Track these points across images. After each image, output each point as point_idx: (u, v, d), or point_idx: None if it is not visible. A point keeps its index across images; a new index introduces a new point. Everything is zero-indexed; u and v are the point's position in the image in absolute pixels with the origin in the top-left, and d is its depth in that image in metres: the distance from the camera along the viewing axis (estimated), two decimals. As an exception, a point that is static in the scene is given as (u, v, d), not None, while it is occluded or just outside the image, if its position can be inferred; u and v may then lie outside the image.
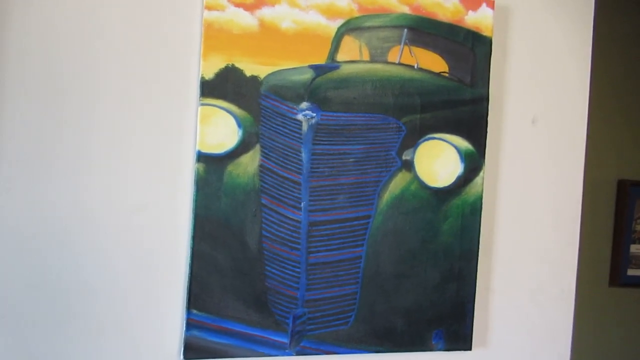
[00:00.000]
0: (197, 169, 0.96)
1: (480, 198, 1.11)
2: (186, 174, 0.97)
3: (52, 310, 0.93)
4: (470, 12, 1.11)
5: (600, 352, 2.05)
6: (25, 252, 0.91)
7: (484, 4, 1.11)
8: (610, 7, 1.87)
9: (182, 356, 0.96)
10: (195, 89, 0.97)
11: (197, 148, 0.96)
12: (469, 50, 1.11)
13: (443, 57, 1.09)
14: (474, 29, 1.11)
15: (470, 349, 1.12)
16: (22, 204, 0.91)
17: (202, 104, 0.96)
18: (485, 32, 1.11)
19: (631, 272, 2.08)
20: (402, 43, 1.07)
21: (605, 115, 1.97)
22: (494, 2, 1.12)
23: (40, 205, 0.92)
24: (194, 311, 0.96)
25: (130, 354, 0.96)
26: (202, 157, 0.96)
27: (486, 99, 1.12)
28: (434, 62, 1.09)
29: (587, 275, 1.91)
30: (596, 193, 2.00)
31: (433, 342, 1.09)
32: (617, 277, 2.08)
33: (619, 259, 2.07)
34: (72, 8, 0.92)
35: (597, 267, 2.05)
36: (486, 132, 1.12)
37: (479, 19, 1.11)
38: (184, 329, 0.96)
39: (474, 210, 1.11)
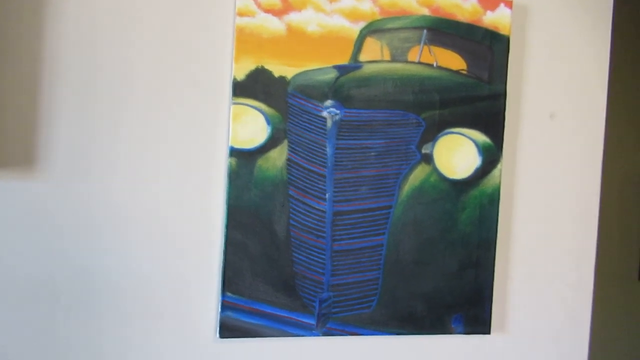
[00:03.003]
0: (230, 163, 1.04)
1: (498, 189, 1.16)
2: (220, 167, 1.04)
3: (98, 295, 1.00)
4: (488, 12, 1.15)
5: (618, 342, 2.04)
6: (74, 239, 1.00)
7: (502, 4, 1.15)
8: (630, 3, 1.86)
9: (218, 335, 1.04)
10: (227, 89, 1.04)
11: (230, 144, 1.04)
12: (487, 49, 1.15)
13: (461, 56, 1.14)
14: (492, 28, 1.15)
15: (489, 332, 1.16)
16: (70, 198, 0.99)
17: (234, 103, 1.04)
18: (503, 31, 1.15)
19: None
20: (422, 43, 1.12)
21: (624, 113, 1.96)
22: (512, 1, 1.16)
23: (85, 197, 1.00)
24: (228, 294, 1.04)
25: (170, 334, 1.04)
26: (234, 152, 1.04)
27: (503, 95, 1.16)
28: (452, 60, 1.13)
29: (612, 269, 1.91)
30: (617, 189, 1.99)
31: (452, 326, 1.14)
32: (645, 272, 2.07)
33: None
34: (113, 13, 1.00)
35: (624, 261, 2.05)
36: (503, 126, 1.16)
37: (497, 18, 1.15)
38: (219, 310, 1.03)
39: (492, 201, 1.15)
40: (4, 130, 0.96)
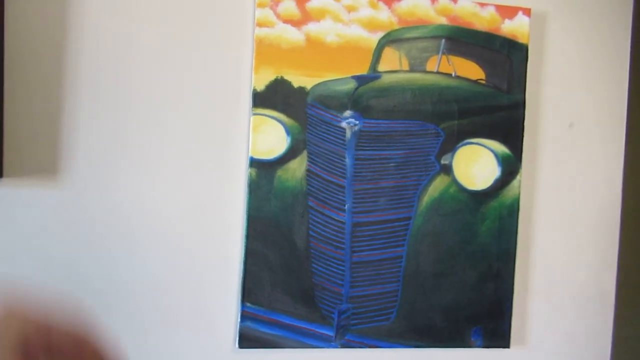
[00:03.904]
0: (250, 173, 1.04)
1: (518, 200, 1.14)
2: (240, 178, 1.04)
3: (117, 305, 1.01)
4: (506, 20, 1.14)
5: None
6: (95, 248, 1.00)
7: (520, 12, 1.15)
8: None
9: (237, 345, 1.04)
10: (247, 100, 1.04)
11: (250, 154, 1.04)
12: (506, 58, 1.14)
13: (480, 65, 1.13)
14: (510, 37, 1.14)
15: (508, 346, 1.14)
16: (92, 206, 1.00)
17: (254, 114, 1.04)
18: (522, 40, 1.15)
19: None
20: (440, 53, 1.11)
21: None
22: (530, 10, 1.15)
23: (107, 205, 1.01)
24: (248, 304, 1.03)
25: (189, 344, 1.04)
26: (254, 162, 1.04)
27: (522, 104, 1.15)
28: (471, 70, 1.13)
29: (628, 282, 1.87)
30: (635, 199, 1.96)
31: (472, 339, 1.13)
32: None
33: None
34: (134, 24, 1.01)
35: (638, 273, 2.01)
36: (523, 136, 1.15)
37: (515, 26, 1.15)
38: (239, 320, 1.03)
39: (511, 212, 1.14)
40: (27, 140, 0.97)
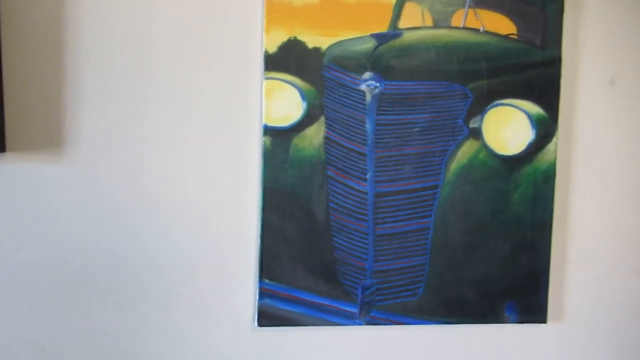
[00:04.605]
0: (264, 142, 0.98)
1: (554, 166, 1.06)
2: (253, 147, 0.99)
3: (131, 283, 0.98)
4: (539, -31, 1.05)
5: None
6: (103, 224, 0.97)
7: (555, -41, 1.05)
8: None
9: (256, 323, 1.00)
10: (259, 63, 0.98)
11: (263, 122, 0.98)
12: (539, 10, 1.05)
13: (511, 19, 1.04)
14: (544, -13, 1.05)
15: (545, 321, 1.08)
16: (100, 182, 0.97)
17: (267, 78, 0.97)
18: (557, -11, 1.05)
19: None
20: (467, 6, 1.03)
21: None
22: (566, -44, 1.05)
23: (116, 181, 0.97)
24: (266, 280, 0.98)
25: (207, 323, 1.01)
26: (268, 130, 0.98)
27: (558, 60, 1.06)
28: (500, 24, 1.04)
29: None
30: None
31: (506, 315, 1.06)
32: None
33: None
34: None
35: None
36: (559, 95, 1.06)
37: (550, -24, 1.05)
38: (257, 297, 0.99)
39: (547, 178, 1.06)
40: (30, 115, 0.93)
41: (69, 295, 0.96)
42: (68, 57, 0.94)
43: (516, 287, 1.06)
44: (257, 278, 0.99)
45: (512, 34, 1.05)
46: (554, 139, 1.07)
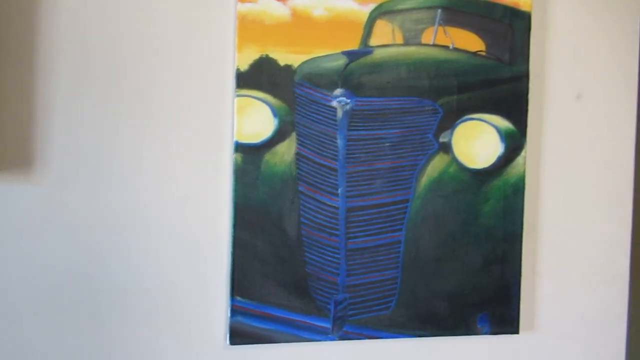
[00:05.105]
0: (235, 159, 0.98)
1: (523, 178, 1.08)
2: (225, 164, 0.99)
3: (100, 301, 0.97)
4: (506, -13, 1.07)
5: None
6: (73, 242, 0.96)
7: (521, -22, 1.07)
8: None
9: (228, 342, 0.99)
10: (231, 80, 0.99)
11: (235, 138, 0.98)
12: (507, 27, 1.07)
13: (479, 36, 1.07)
14: (512, 5, 1.07)
15: (517, 332, 1.09)
16: (71, 201, 0.95)
17: (238, 95, 0.98)
18: (524, 7, 1.08)
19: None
20: (436, 24, 1.05)
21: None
22: (531, -25, 1.08)
23: (87, 200, 0.96)
24: (238, 298, 0.98)
25: (177, 341, 1.00)
26: (239, 147, 0.98)
27: (526, 76, 1.08)
28: (469, 41, 1.06)
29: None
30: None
31: (478, 326, 1.08)
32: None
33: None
34: (106, 5, 0.95)
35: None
36: (527, 110, 1.09)
37: (517, -7, 1.08)
38: (229, 315, 0.98)
39: (516, 190, 1.08)
40: (0, 133, 0.92)
41: (35, 316, 0.95)
42: (38, 75, 0.93)
43: (488, 299, 1.08)
44: (228, 296, 0.99)
45: (480, 51, 1.07)
46: (523, 153, 1.09)
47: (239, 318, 0.98)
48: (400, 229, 1.04)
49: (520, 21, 1.08)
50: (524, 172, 1.09)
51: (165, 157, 0.98)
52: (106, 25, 0.95)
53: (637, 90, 1.18)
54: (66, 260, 0.95)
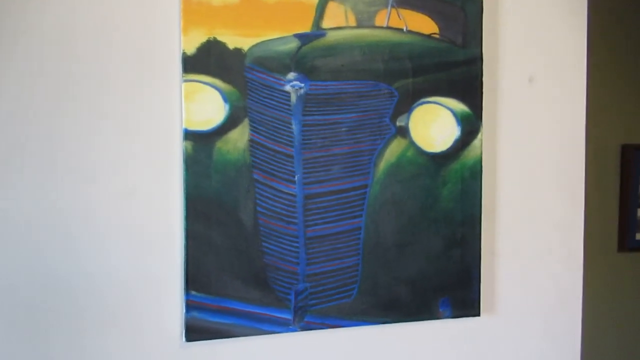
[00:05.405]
0: (185, 147, 0.94)
1: (480, 161, 1.09)
2: (174, 153, 0.94)
3: (52, 299, 0.91)
4: (458, -30, 1.07)
5: (611, 317, 2.03)
6: (17, 239, 0.90)
7: (472, -40, 1.07)
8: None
9: (184, 338, 0.95)
10: (177, 65, 0.94)
11: (184, 126, 0.94)
12: (459, 10, 1.07)
13: (432, 18, 1.06)
14: (463, -13, 1.07)
15: (479, 314, 1.10)
16: (17, 199, 0.89)
17: (186, 80, 0.93)
18: (475, -10, 1.08)
19: (639, 236, 2.05)
20: (389, 6, 1.03)
21: (606, 78, 1.93)
22: (482, -43, 1.08)
23: (24, 190, 0.90)
24: (193, 292, 0.94)
25: (132, 339, 0.95)
26: (189, 134, 0.94)
27: (480, 59, 1.08)
28: (423, 23, 1.05)
29: (596, 241, 1.87)
30: (600, 158, 1.96)
31: (440, 310, 1.07)
32: (625, 242, 2.05)
33: (626, 224, 2.05)
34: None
35: (605, 233, 2.02)
36: (482, 93, 1.09)
37: (468, -24, 1.07)
38: (184, 311, 0.94)
39: (474, 173, 1.08)
40: None
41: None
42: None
43: (449, 283, 1.07)
44: (183, 290, 0.94)
45: (434, 34, 1.06)
46: (479, 135, 1.09)
47: (195, 313, 0.94)
48: (360, 215, 1.02)
49: (472, 4, 1.08)
50: (481, 155, 1.09)
51: (112, 146, 0.93)
52: (52, 5, 0.89)
53: (586, 71, 1.20)
54: (11, 260, 0.89)
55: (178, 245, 0.95)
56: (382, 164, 1.03)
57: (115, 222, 0.93)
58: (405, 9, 1.04)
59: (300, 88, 0.98)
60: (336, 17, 1.01)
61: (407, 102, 1.04)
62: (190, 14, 0.93)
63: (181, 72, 0.93)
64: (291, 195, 0.98)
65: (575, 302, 1.20)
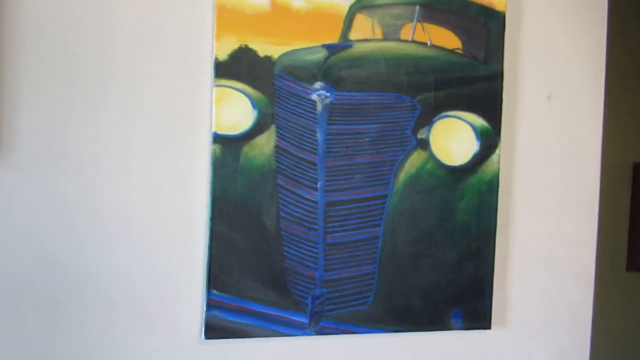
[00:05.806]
0: (214, 150, 0.96)
1: (497, 176, 1.10)
2: (203, 156, 0.97)
3: (75, 296, 0.93)
4: (482, -13, 1.09)
5: (620, 334, 2.03)
6: (44, 233, 0.92)
7: (497, -21, 1.10)
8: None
9: (203, 336, 0.97)
10: (209, 70, 0.96)
11: (213, 129, 0.96)
12: (482, 26, 1.09)
13: (456, 34, 1.08)
14: (487, 4, 1.09)
15: (489, 327, 1.11)
16: (39, 191, 0.91)
17: (217, 85, 0.96)
18: (499, 7, 1.10)
19: (648, 256, 2.05)
20: (415, 20, 1.05)
21: (623, 97, 1.94)
22: (507, -24, 1.10)
23: (57, 190, 0.92)
24: (214, 291, 0.96)
25: (152, 336, 0.97)
26: (218, 138, 0.96)
27: (500, 75, 1.10)
28: (447, 38, 1.07)
29: (605, 260, 1.88)
30: (613, 176, 1.97)
31: (452, 321, 1.08)
32: (635, 262, 2.05)
33: (636, 244, 2.04)
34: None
35: (614, 251, 2.03)
36: (501, 109, 1.11)
37: (492, -6, 1.10)
38: (205, 309, 0.96)
39: (491, 188, 1.10)
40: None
41: (3, 305, 0.90)
42: (5, 57, 0.89)
43: (462, 295, 1.09)
44: (204, 289, 0.96)
45: (457, 49, 1.08)
46: (497, 150, 1.10)
47: (215, 312, 0.96)
48: (379, 224, 1.04)
49: (495, 21, 1.10)
50: (498, 169, 1.10)
51: (142, 146, 0.95)
52: (82, 13, 0.92)
53: (604, 90, 1.22)
54: (37, 248, 0.91)
55: (202, 245, 0.97)
56: (402, 175, 1.05)
57: (142, 219, 0.95)
58: (430, 23, 1.06)
59: (326, 97, 1.01)
60: (363, 30, 1.03)
61: (428, 115, 1.06)
62: (223, 21, 0.96)
63: (213, 77, 0.96)
64: (313, 201, 1.00)
65: (585, 319, 1.21)
